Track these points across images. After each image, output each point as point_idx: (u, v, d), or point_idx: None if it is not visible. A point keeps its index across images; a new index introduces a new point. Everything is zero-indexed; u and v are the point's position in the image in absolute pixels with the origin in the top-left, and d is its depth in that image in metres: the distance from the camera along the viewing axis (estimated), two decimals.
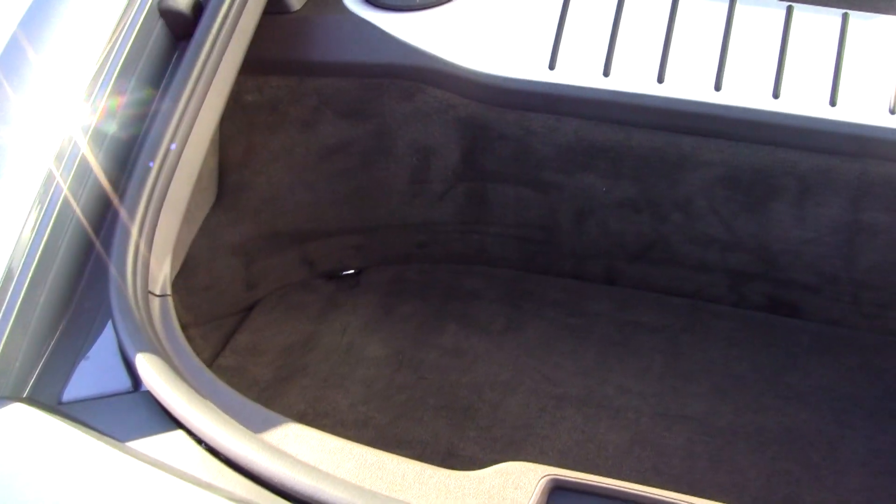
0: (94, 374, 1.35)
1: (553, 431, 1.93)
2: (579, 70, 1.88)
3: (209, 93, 1.61)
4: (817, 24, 1.85)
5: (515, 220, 2.12)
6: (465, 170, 2.06)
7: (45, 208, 1.45)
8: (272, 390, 2.01)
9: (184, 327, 1.45)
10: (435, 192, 2.12)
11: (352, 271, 2.29)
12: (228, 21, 1.65)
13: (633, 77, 1.86)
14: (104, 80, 1.54)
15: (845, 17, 1.85)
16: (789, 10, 1.86)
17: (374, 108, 2.00)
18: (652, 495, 1.21)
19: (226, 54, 1.64)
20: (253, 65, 1.78)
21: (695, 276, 2.10)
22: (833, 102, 1.80)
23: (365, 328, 2.15)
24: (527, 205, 2.08)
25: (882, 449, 1.89)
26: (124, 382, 1.32)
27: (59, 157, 1.47)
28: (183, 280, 1.89)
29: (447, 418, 1.95)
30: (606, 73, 1.87)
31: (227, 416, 1.25)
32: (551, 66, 1.88)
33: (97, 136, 1.52)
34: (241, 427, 1.23)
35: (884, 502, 1.80)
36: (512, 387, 2.01)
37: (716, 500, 1.21)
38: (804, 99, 1.81)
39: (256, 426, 1.27)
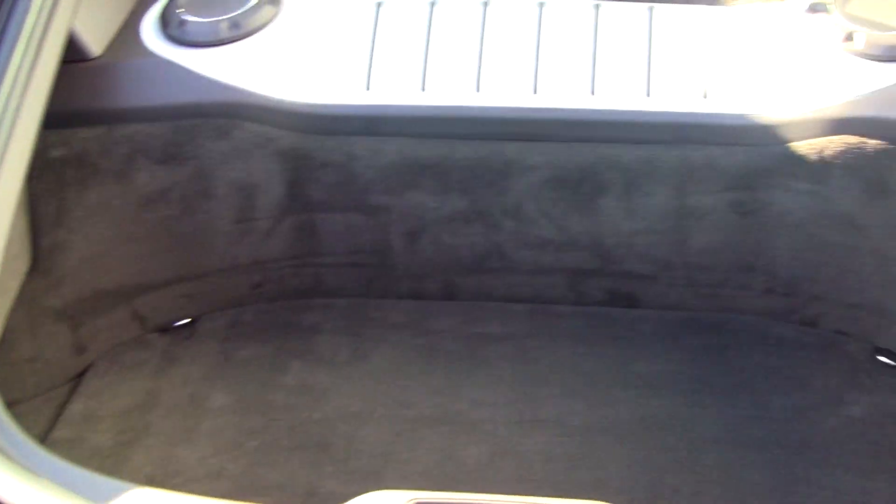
0: None
1: (412, 454, 1.89)
2: (396, 88, 1.87)
3: (8, 152, 1.51)
4: (625, 19, 1.90)
5: (348, 248, 2.09)
6: (290, 203, 2.02)
7: None
8: (115, 457, 1.91)
9: (9, 405, 1.36)
10: (262, 230, 2.06)
11: (186, 321, 2.21)
12: (22, 74, 1.55)
13: (450, 89, 1.87)
14: None
15: (651, 10, 1.89)
16: (597, 8, 1.90)
17: (189, 151, 1.93)
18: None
19: (22, 109, 1.54)
20: (56, 118, 1.69)
21: (533, 280, 2.11)
22: (648, 93, 1.84)
23: (206, 378, 2.07)
24: (358, 231, 2.05)
25: (733, 423, 1.93)
26: None
27: None
28: (3, 355, 1.79)
29: (303, 457, 1.90)
30: (423, 88, 1.86)
31: (65, 492, 1.16)
32: (367, 87, 1.87)
33: None
34: (82, 501, 1.15)
35: (740, 474, 1.84)
36: (365, 416, 1.97)
37: (580, 499, 1.21)
38: (620, 93, 1.86)
39: (100, 497, 1.19)
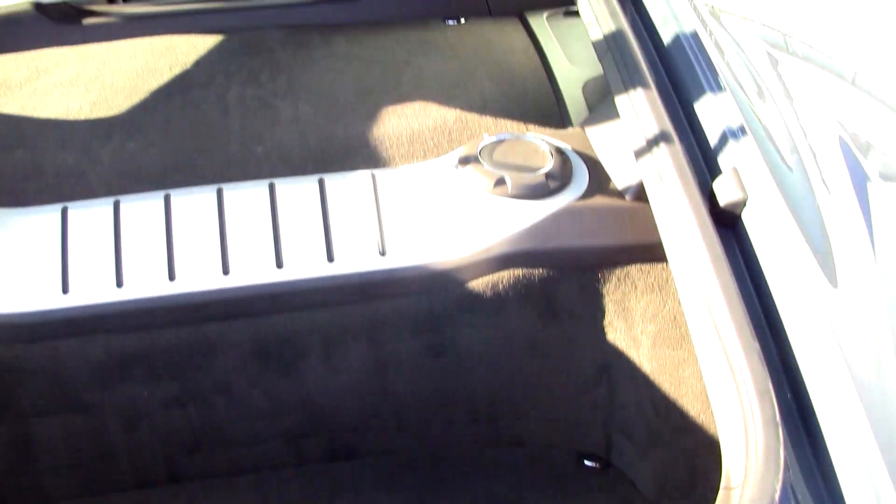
0: None
1: None
2: (92, 287, 1.92)
3: None
4: (298, 193, 2.04)
5: (67, 450, 2.08)
6: (1, 414, 2.01)
7: None
8: None
9: None
10: None
11: None
12: None
13: (145, 281, 1.94)
14: None
15: (321, 182, 2.05)
16: (271, 187, 2.04)
17: None
18: None
19: None
20: None
21: (253, 450, 2.18)
22: (331, 258, 1.97)
23: None
24: (75, 430, 2.06)
25: None
26: None
27: None
28: None
29: None
30: (119, 284, 1.92)
31: None
32: (64, 290, 1.91)
33: None
34: None
35: None
36: None
37: None
38: (304, 262, 1.98)
39: None
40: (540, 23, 2.72)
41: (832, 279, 1.58)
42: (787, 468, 1.41)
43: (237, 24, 2.65)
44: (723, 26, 2.01)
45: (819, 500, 1.42)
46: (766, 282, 1.66)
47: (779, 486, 1.38)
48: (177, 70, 2.45)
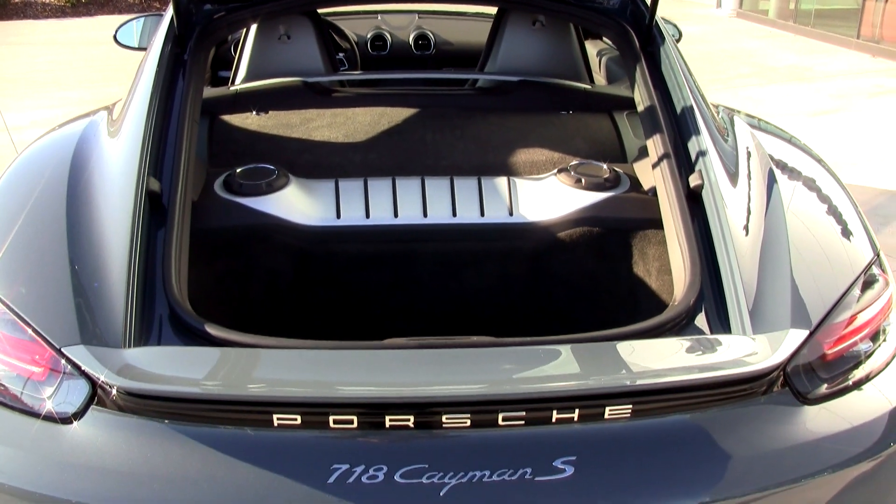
0: None
1: None
2: (353, 216, 3.47)
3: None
4: (466, 185, 3.59)
5: (326, 309, 3.58)
6: (296, 281, 3.55)
7: None
8: None
9: None
10: (276, 303, 3.58)
11: None
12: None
13: (381, 216, 3.47)
14: None
15: (479, 180, 3.63)
16: (451, 180, 3.64)
17: (244, 250, 3.43)
18: None
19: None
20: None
21: (427, 319, 3.64)
22: (482, 214, 3.56)
23: None
24: (333, 297, 3.60)
25: None
26: None
27: None
28: None
29: None
30: (367, 217, 3.51)
31: None
32: (337, 216, 3.51)
33: None
34: None
35: None
36: None
37: None
38: (468, 215, 3.50)
39: None
40: (621, 117, 4.36)
41: (739, 228, 3.09)
42: (701, 296, 2.89)
43: (427, 103, 4.37)
44: (708, 104, 3.64)
45: (716, 310, 2.88)
46: (707, 224, 3.11)
47: (693, 299, 2.83)
48: (392, 124, 4.15)
